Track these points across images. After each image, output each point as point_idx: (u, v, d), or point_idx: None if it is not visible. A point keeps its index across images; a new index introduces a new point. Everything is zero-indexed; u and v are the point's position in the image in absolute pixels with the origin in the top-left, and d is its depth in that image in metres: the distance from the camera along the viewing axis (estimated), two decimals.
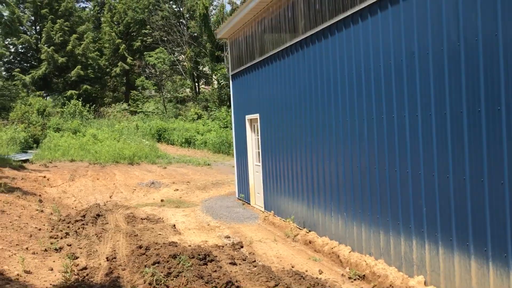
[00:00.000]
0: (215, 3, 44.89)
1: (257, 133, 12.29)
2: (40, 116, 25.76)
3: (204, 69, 44.02)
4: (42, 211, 12.69)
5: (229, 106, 34.91)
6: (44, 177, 16.28)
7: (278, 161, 10.59)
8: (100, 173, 17.84)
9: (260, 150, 11.79)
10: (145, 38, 43.48)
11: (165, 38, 39.69)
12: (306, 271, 7.36)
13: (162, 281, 6.60)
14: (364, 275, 6.81)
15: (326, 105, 8.12)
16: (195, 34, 39.99)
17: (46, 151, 20.05)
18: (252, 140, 12.65)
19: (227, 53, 13.94)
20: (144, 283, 6.76)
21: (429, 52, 5.53)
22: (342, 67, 7.54)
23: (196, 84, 41.84)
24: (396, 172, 6.30)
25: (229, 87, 36.27)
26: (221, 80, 37.04)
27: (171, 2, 42.92)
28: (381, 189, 6.67)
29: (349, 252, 7.52)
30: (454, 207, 5.29)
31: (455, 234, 5.30)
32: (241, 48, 12.91)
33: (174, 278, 6.75)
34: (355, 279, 6.85)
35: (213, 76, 39.46)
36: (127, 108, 39.40)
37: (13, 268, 7.62)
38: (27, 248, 8.89)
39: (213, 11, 43.46)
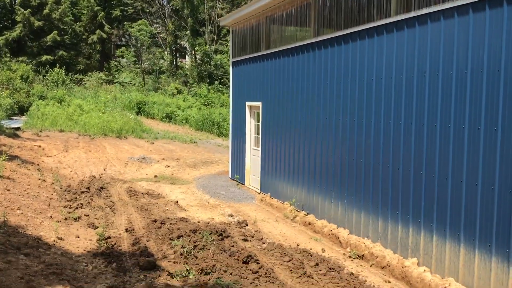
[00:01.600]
0: None
1: (257, 119, 13.21)
2: (24, 82, 25.59)
3: (182, 42, 44.10)
4: (44, 180, 13.26)
5: (210, 83, 35.51)
6: (39, 146, 16.68)
7: (279, 148, 11.60)
8: (91, 145, 18.34)
9: (260, 136, 12.74)
10: (125, 8, 43.00)
11: (147, 10, 39.47)
12: (311, 249, 8.47)
13: (192, 253, 7.55)
14: (363, 255, 7.99)
15: (335, 103, 9.14)
16: (177, 8, 39.95)
17: (35, 120, 20.26)
18: (251, 126, 13.57)
19: (229, 40, 14.65)
20: (175, 253, 7.70)
21: (439, 74, 6.61)
22: (353, 73, 8.55)
23: (175, 58, 41.97)
24: (399, 170, 7.43)
25: (209, 64, 36.89)
26: (202, 56, 37.41)
27: None
28: (383, 183, 7.81)
29: (348, 234, 8.68)
30: (450, 204, 6.47)
31: (448, 225, 6.50)
32: (245, 38, 13.67)
33: (200, 251, 7.71)
34: (355, 258, 8.03)
35: (192, 51, 39.72)
36: (103, 77, 39.19)
37: (48, 234, 8.38)
38: (50, 217, 9.60)
39: None
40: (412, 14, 7.09)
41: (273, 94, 11.89)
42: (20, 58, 32.84)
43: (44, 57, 38.65)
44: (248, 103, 13.48)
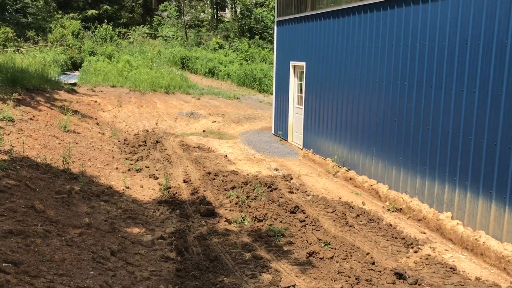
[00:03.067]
0: None
1: (300, 78, 13.77)
2: (75, 38, 26.75)
3: None
4: (103, 134, 14.45)
5: (250, 38, 35.76)
6: (95, 101, 17.88)
7: (322, 107, 12.20)
8: (143, 101, 19.43)
9: (303, 95, 13.34)
10: None
11: None
12: (352, 202, 9.25)
13: (245, 202, 8.48)
14: (400, 209, 8.70)
15: (379, 66, 9.60)
16: None
17: (88, 75, 21.44)
18: (295, 84, 14.15)
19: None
20: (230, 202, 8.65)
21: (480, 42, 6.99)
22: (398, 38, 8.95)
23: (215, 11, 42.13)
24: (438, 132, 7.97)
25: (250, 18, 36.96)
26: (242, 10, 37.44)
27: None
28: (423, 143, 8.37)
29: (387, 189, 9.38)
30: (484, 164, 7.03)
31: (482, 184, 7.08)
32: None
33: (253, 201, 8.63)
34: (393, 211, 8.76)
35: (233, 4, 39.74)
36: (147, 31, 39.99)
37: (117, 184, 9.50)
38: (116, 168, 10.73)
39: None
40: None
41: (317, 55, 12.36)
42: (71, 15, 33.98)
43: (89, 12, 39.69)
44: (292, 63, 14.00)
